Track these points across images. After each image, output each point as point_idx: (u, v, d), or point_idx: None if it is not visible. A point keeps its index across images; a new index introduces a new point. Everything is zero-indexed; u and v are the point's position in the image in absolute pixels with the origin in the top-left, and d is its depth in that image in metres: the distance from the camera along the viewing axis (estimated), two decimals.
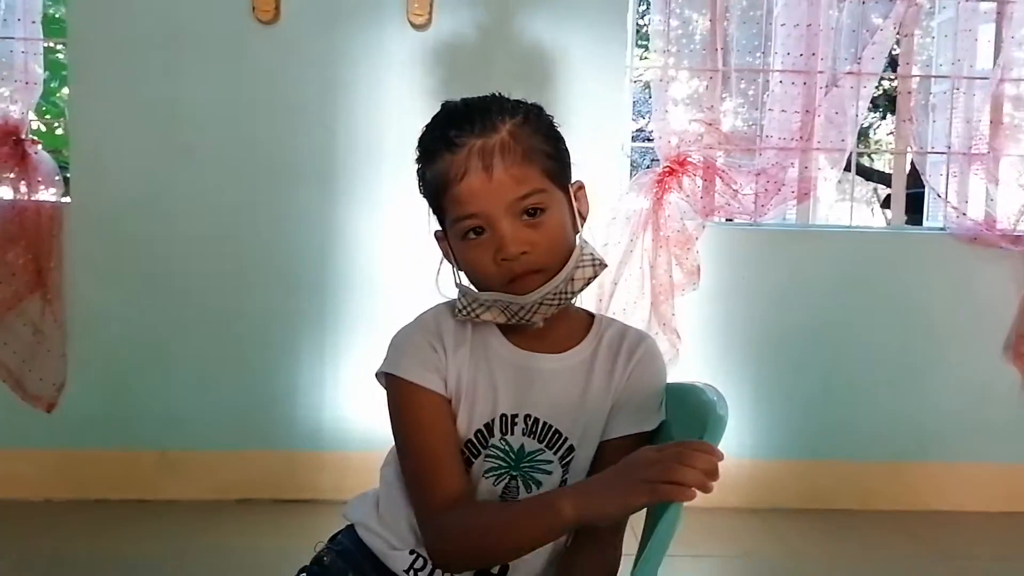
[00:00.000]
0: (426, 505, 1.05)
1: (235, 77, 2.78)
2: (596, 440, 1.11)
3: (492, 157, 1.00)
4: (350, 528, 1.18)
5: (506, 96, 1.09)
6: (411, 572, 1.10)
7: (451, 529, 1.02)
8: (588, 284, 1.07)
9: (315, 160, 2.81)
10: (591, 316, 1.17)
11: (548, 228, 1.02)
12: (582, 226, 1.09)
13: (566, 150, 1.10)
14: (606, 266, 1.09)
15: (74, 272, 2.78)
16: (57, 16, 3.54)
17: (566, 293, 1.05)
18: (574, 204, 1.08)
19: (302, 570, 1.16)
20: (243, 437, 2.84)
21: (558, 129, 1.10)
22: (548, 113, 1.10)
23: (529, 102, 1.10)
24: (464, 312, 1.07)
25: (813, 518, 2.87)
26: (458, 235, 1.04)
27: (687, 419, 1.03)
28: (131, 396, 2.82)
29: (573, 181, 1.10)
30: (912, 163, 3.09)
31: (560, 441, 1.09)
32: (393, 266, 2.79)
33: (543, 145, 1.04)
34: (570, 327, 1.13)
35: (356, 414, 2.78)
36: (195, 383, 2.83)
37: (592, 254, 1.06)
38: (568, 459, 1.09)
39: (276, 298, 2.83)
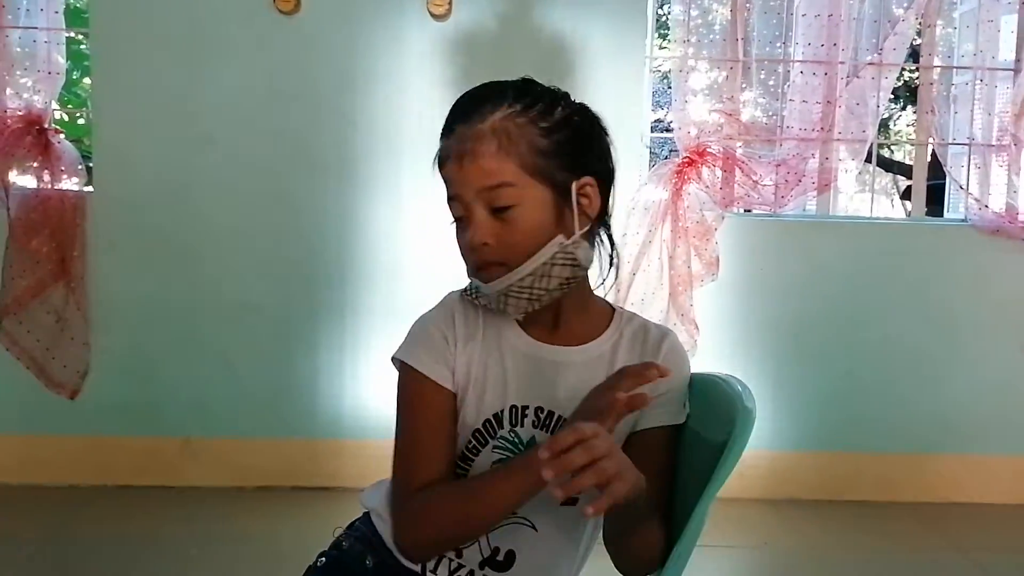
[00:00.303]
0: (402, 490, 1.07)
1: (256, 68, 2.79)
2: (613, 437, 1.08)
3: (467, 145, 1.01)
4: (367, 515, 1.19)
5: (534, 82, 1.07)
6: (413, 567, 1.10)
7: (421, 509, 1.03)
8: (567, 284, 1.04)
9: (335, 150, 2.82)
10: (613, 309, 1.15)
11: (516, 223, 1.01)
12: (583, 225, 1.04)
13: (573, 145, 1.04)
14: (584, 268, 1.05)
15: (97, 261, 2.81)
16: (79, 6, 3.57)
17: (536, 289, 1.02)
18: (573, 201, 1.03)
19: (321, 554, 1.17)
20: (265, 425, 2.87)
21: (576, 122, 1.05)
22: (572, 105, 1.06)
23: (550, 91, 1.06)
24: (469, 293, 1.10)
25: (831, 509, 2.87)
26: (451, 218, 1.07)
27: (712, 411, 1.03)
28: (153, 383, 2.85)
29: (581, 178, 1.04)
30: (933, 154, 3.07)
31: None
32: (412, 256, 2.80)
33: (535, 139, 1.01)
34: (589, 320, 1.12)
35: (375, 403, 2.80)
36: (217, 371, 2.86)
37: (572, 254, 1.02)
38: None
39: (297, 288, 2.85)
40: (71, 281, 2.79)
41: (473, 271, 1.06)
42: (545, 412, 1.07)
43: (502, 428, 1.08)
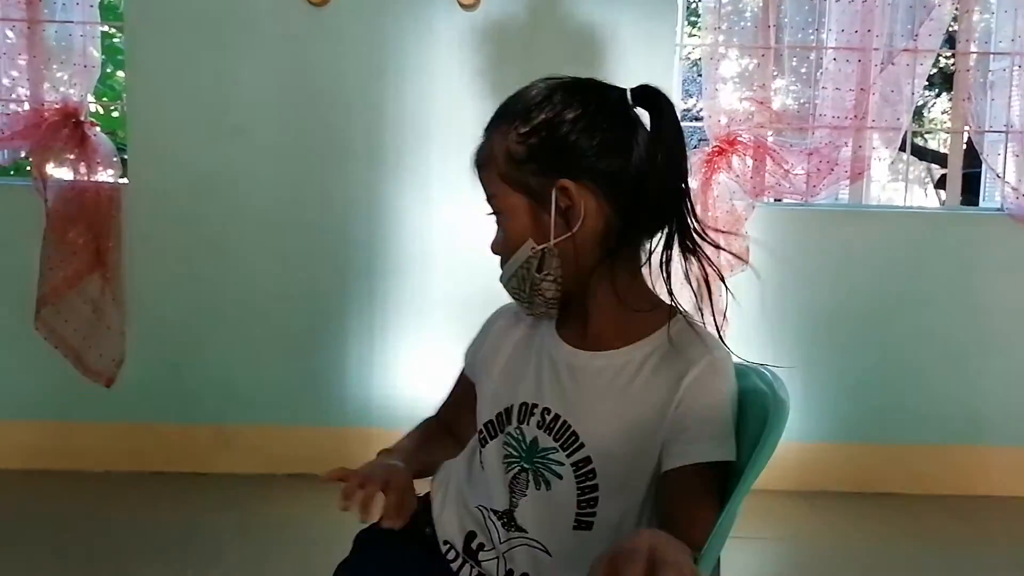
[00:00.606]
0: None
1: (286, 59, 2.81)
2: (623, 462, 1.00)
3: (474, 157, 1.07)
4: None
5: (544, 83, 1.03)
6: (446, 557, 1.11)
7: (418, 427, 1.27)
8: (537, 290, 1.02)
9: (365, 141, 2.83)
10: (669, 316, 1.04)
11: (504, 230, 1.04)
12: (561, 230, 0.99)
13: (551, 148, 0.99)
14: (545, 276, 1.01)
15: (132, 251, 2.85)
16: (112, 1, 3.61)
17: (521, 291, 1.05)
18: (552, 206, 0.99)
19: None
20: (296, 413, 2.90)
21: (562, 122, 0.99)
22: (573, 102, 1.00)
23: (552, 89, 1.02)
24: None
25: (861, 501, 2.85)
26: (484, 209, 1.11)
27: (744, 402, 1.02)
28: (187, 371, 2.90)
29: (558, 181, 0.98)
30: (969, 142, 3.02)
31: (575, 444, 1.01)
32: (442, 246, 2.81)
33: (512, 146, 1.00)
34: (625, 325, 1.04)
35: (405, 392, 2.82)
36: (249, 360, 2.90)
37: (537, 260, 1.01)
38: (584, 470, 1.01)
39: (326, 278, 2.88)
40: (106, 271, 2.83)
41: None
42: (552, 414, 1.04)
43: (510, 424, 1.07)
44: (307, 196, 2.86)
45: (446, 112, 2.76)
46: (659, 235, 1.03)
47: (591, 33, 2.78)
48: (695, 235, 1.01)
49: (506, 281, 1.06)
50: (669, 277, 1.02)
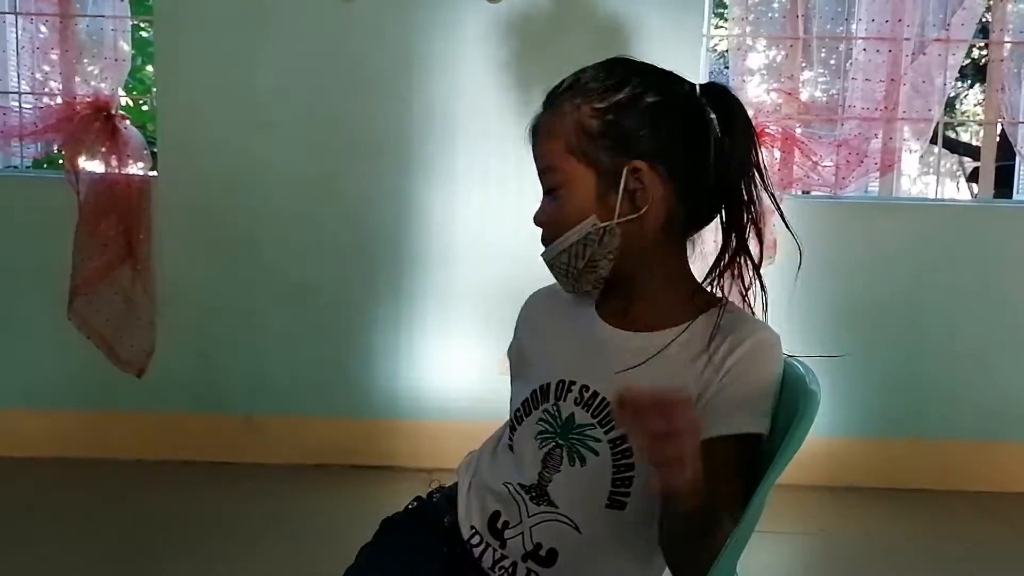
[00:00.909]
0: None
1: (314, 53, 2.83)
2: None
3: (534, 127, 1.06)
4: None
5: (619, 61, 1.05)
6: (469, 544, 1.11)
7: None
8: (593, 266, 1.02)
9: (391, 133, 2.84)
10: (714, 303, 1.06)
11: (559, 205, 1.03)
12: (628, 211, 1.00)
13: (629, 127, 0.99)
14: (605, 255, 1.01)
15: (162, 243, 2.89)
16: None
17: (572, 267, 1.04)
18: (620, 185, 0.99)
19: (415, 499, 1.21)
20: (323, 404, 2.92)
21: (645, 104, 1.00)
22: (655, 87, 1.02)
23: (629, 71, 1.03)
24: None
25: (891, 497, 2.82)
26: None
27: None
28: (216, 362, 2.93)
29: (632, 162, 0.99)
30: (1002, 134, 2.97)
31: (613, 421, 1.01)
32: (466, 238, 2.81)
33: (585, 119, 1.00)
34: (666, 309, 1.05)
35: (430, 384, 2.83)
36: (277, 351, 2.92)
37: (600, 238, 1.00)
38: (621, 447, 1.01)
39: (353, 270, 2.90)
40: (137, 263, 2.87)
41: None
42: (590, 391, 1.04)
43: (547, 401, 1.07)
44: (334, 188, 2.87)
45: (472, 105, 2.76)
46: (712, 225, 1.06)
47: (617, 25, 2.77)
48: (754, 230, 1.05)
49: (555, 255, 1.04)
50: (719, 267, 1.05)
